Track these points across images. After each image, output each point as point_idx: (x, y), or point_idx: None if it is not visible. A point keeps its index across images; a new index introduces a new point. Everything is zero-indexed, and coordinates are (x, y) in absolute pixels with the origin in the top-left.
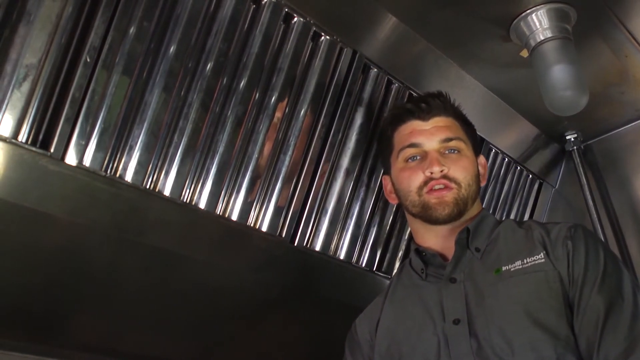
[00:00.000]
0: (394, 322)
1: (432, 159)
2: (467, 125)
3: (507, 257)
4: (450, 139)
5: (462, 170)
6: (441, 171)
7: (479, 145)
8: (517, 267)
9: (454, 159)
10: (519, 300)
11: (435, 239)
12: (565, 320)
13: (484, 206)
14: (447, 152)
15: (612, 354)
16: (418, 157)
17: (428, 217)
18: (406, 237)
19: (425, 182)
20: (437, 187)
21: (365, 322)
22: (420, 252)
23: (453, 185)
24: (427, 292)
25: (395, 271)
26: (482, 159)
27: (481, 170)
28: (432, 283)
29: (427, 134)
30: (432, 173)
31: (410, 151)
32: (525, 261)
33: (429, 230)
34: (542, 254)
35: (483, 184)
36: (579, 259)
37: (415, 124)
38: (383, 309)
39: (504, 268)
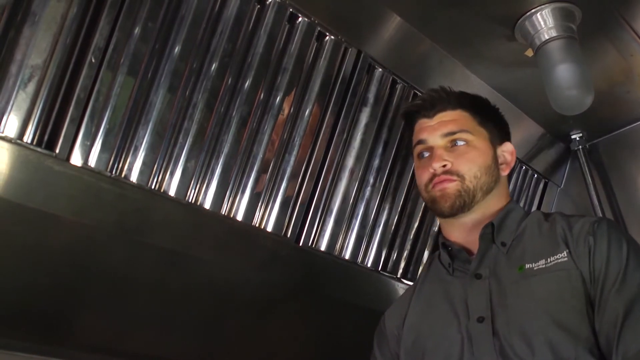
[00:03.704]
0: (419, 317)
1: (434, 155)
2: (481, 114)
3: (532, 255)
4: (453, 133)
5: (466, 162)
6: (443, 166)
7: (504, 131)
8: (540, 266)
9: (460, 152)
10: (540, 299)
11: (459, 232)
12: (587, 320)
13: None
14: (454, 144)
15: (631, 351)
16: (427, 154)
17: (435, 210)
18: (411, 237)
19: (431, 179)
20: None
21: (393, 316)
22: (447, 246)
23: (455, 177)
24: (453, 287)
25: (400, 270)
26: (507, 145)
27: (507, 157)
28: (459, 278)
29: (431, 130)
30: (434, 170)
31: (419, 148)
32: (548, 260)
33: (451, 225)
34: (565, 252)
35: (505, 172)
36: (600, 255)
37: (423, 122)
38: (410, 303)
39: (527, 266)
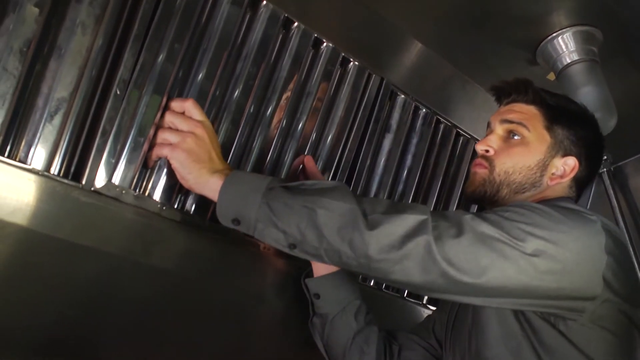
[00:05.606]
0: None
1: (485, 138)
2: (555, 119)
3: None
4: (510, 122)
5: (505, 156)
6: (486, 151)
7: (578, 144)
8: None
9: (510, 145)
10: None
11: None
12: None
13: None
14: (511, 137)
15: None
16: None
17: None
18: None
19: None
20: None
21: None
22: None
23: (487, 164)
24: None
25: (425, 296)
26: (570, 160)
27: (560, 169)
28: None
29: (497, 115)
30: (477, 150)
31: (487, 131)
32: None
33: None
34: None
35: (553, 184)
36: None
37: (501, 108)
38: None
39: None
